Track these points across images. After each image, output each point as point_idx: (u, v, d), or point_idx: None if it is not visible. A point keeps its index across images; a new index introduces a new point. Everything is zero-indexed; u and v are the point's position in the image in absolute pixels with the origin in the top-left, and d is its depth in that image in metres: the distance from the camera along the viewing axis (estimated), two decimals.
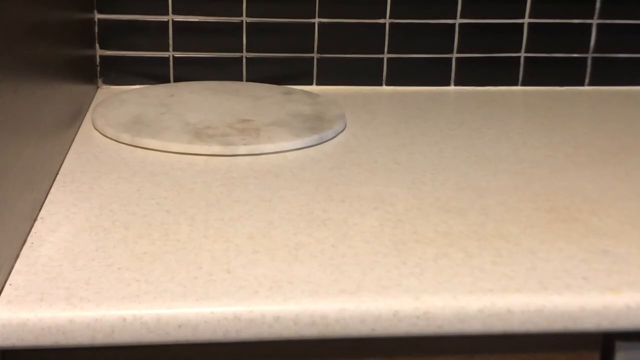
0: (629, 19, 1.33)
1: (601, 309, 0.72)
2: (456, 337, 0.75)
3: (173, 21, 1.27)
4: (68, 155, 1.01)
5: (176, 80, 1.29)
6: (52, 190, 0.91)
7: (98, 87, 1.28)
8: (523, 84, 1.35)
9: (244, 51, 1.29)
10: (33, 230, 0.81)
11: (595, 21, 1.32)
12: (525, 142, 1.10)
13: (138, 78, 1.29)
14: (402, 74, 1.32)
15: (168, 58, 1.28)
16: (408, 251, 0.79)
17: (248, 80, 1.30)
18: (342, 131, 1.13)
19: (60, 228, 0.82)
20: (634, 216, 0.88)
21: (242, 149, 1.02)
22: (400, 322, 0.70)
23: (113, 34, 1.26)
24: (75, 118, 1.08)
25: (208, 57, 1.29)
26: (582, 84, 1.36)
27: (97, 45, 1.27)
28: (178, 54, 1.28)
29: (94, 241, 0.79)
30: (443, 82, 1.34)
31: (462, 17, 1.30)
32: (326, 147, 1.06)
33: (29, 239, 0.79)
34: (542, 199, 0.92)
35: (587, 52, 1.34)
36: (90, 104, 1.21)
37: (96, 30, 1.26)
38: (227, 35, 1.28)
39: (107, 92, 1.26)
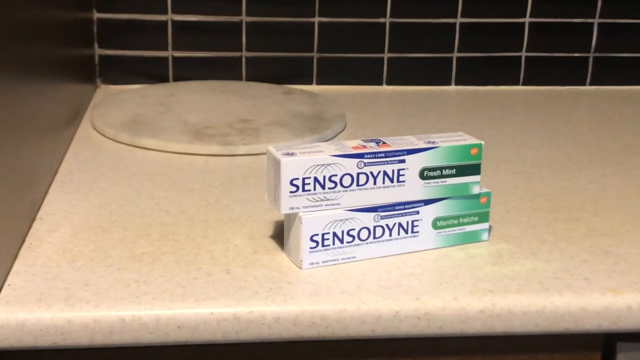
0: (631, 19, 1.33)
1: (602, 310, 0.72)
2: (457, 338, 0.75)
3: (172, 20, 1.26)
4: (67, 155, 1.00)
5: (175, 79, 1.29)
6: (50, 191, 0.90)
7: (97, 87, 1.28)
8: (524, 84, 1.35)
9: (244, 51, 1.29)
10: (32, 230, 0.81)
11: (596, 20, 1.32)
12: (526, 142, 1.10)
13: (137, 77, 1.28)
14: (403, 74, 1.32)
15: (167, 57, 1.28)
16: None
17: (248, 79, 1.30)
18: (342, 131, 1.12)
19: (59, 228, 0.82)
20: (635, 216, 0.88)
21: (242, 149, 1.02)
22: (401, 323, 0.70)
23: (112, 34, 1.26)
24: (73, 118, 1.08)
25: (207, 57, 1.28)
26: (583, 84, 1.36)
27: (96, 44, 1.26)
28: (177, 54, 1.28)
29: (93, 241, 0.79)
30: (444, 82, 1.33)
31: (462, 16, 1.30)
32: None
33: (28, 240, 0.79)
34: (543, 199, 0.92)
35: (588, 51, 1.34)
36: (89, 103, 1.21)
37: (95, 30, 1.26)
38: (227, 34, 1.28)
39: (105, 92, 1.26)
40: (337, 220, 0.75)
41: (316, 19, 1.28)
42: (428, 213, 0.78)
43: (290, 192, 0.73)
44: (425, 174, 0.77)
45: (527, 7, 1.31)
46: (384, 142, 0.77)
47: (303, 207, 0.74)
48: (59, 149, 0.98)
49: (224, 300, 0.69)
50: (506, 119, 1.19)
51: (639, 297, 0.72)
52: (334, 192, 0.74)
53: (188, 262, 0.76)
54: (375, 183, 0.75)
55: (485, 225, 0.81)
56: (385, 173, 0.75)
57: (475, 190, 0.79)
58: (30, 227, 0.82)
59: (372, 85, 1.32)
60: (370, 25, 1.29)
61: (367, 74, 1.31)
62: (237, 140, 1.04)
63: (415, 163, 0.76)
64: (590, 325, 0.72)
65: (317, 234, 0.74)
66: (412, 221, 0.78)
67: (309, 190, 0.74)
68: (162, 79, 1.29)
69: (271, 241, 0.80)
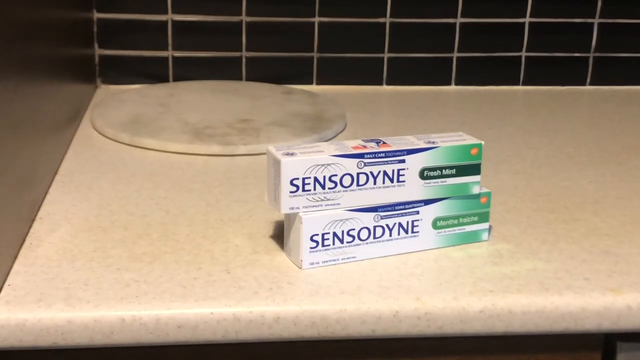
0: (631, 19, 1.33)
1: (602, 310, 0.72)
2: (457, 338, 0.75)
3: (172, 20, 1.26)
4: (67, 155, 1.00)
5: (175, 79, 1.29)
6: (50, 191, 0.90)
7: (97, 87, 1.28)
8: (524, 84, 1.35)
9: (244, 51, 1.29)
10: (32, 230, 0.81)
11: (596, 20, 1.32)
12: (526, 142, 1.10)
13: (137, 77, 1.28)
14: (403, 74, 1.32)
15: (167, 57, 1.28)
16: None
17: (248, 79, 1.30)
18: (342, 131, 1.12)
19: (59, 228, 0.82)
20: (635, 216, 0.88)
21: (242, 149, 1.02)
22: (401, 323, 0.70)
23: (112, 34, 1.26)
24: (74, 118, 1.08)
25: (207, 57, 1.28)
26: (583, 84, 1.36)
27: (96, 44, 1.26)
28: (177, 54, 1.28)
29: (93, 241, 0.79)
30: (444, 82, 1.33)
31: (462, 16, 1.30)
32: None
33: (28, 240, 0.79)
34: (543, 199, 0.92)
35: (588, 51, 1.34)
36: (89, 103, 1.21)
37: (95, 30, 1.26)
38: (227, 34, 1.27)
39: (106, 92, 1.26)
40: (337, 220, 0.75)
41: (316, 19, 1.28)
42: (428, 213, 0.78)
43: (290, 192, 0.73)
44: (425, 174, 0.77)
45: (527, 7, 1.31)
46: (384, 142, 0.77)
47: (303, 207, 0.74)
48: (59, 149, 0.98)
49: (224, 300, 0.69)
50: (506, 119, 1.19)
51: (639, 297, 0.72)
52: (334, 192, 0.74)
53: (188, 262, 0.76)
54: (375, 183, 0.75)
55: (485, 225, 0.81)
56: (385, 173, 0.75)
57: (475, 190, 0.79)
58: (30, 227, 0.82)
59: (372, 85, 1.32)
60: (370, 25, 1.29)
61: (367, 74, 1.31)
62: (237, 140, 1.04)
63: (415, 163, 0.76)
64: (590, 325, 0.72)
65: (317, 234, 0.74)
66: (412, 221, 0.78)
67: (309, 190, 0.74)
68: (162, 79, 1.29)
69: (271, 241, 0.80)
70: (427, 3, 1.28)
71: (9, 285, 0.71)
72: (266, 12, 1.27)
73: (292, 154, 0.73)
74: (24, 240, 0.79)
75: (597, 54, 1.34)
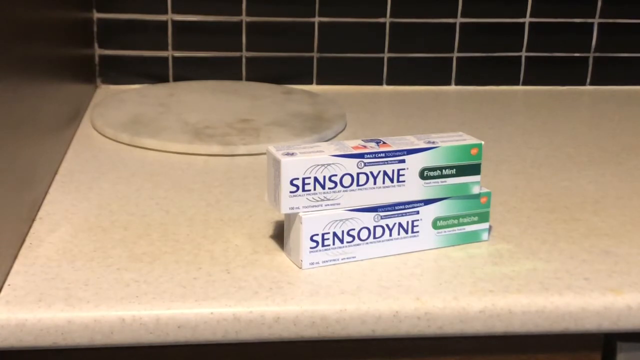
0: (631, 19, 1.33)
1: (602, 310, 0.72)
2: (457, 338, 0.75)
3: (172, 20, 1.26)
4: (67, 155, 1.00)
5: (175, 79, 1.29)
6: (50, 191, 0.90)
7: (97, 87, 1.28)
8: (524, 84, 1.35)
9: (244, 51, 1.29)
10: (32, 230, 0.81)
11: (596, 20, 1.32)
12: (526, 142, 1.10)
13: (137, 77, 1.28)
14: (403, 74, 1.32)
15: (167, 57, 1.28)
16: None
17: (248, 79, 1.30)
18: (342, 131, 1.12)
19: (59, 228, 0.82)
20: (635, 216, 0.88)
21: (242, 149, 1.02)
22: (401, 323, 0.70)
23: (112, 34, 1.26)
24: (74, 118, 1.08)
25: (207, 57, 1.28)
26: (583, 84, 1.36)
27: (96, 44, 1.26)
28: (177, 54, 1.28)
29: (93, 241, 0.79)
30: (444, 82, 1.33)
31: (463, 16, 1.30)
32: None
33: (28, 240, 0.79)
34: (543, 199, 0.92)
35: (588, 51, 1.34)
36: (89, 103, 1.21)
37: (95, 30, 1.26)
38: (227, 34, 1.27)
39: (106, 92, 1.26)
40: (337, 220, 0.75)
41: (316, 19, 1.28)
42: (428, 213, 0.78)
43: (291, 192, 0.73)
44: (425, 174, 0.77)
45: (527, 7, 1.31)
46: (384, 142, 0.77)
47: (303, 207, 0.74)
48: (59, 149, 0.98)
49: (224, 300, 0.69)
50: (506, 119, 1.19)
51: (639, 297, 0.72)
52: (334, 192, 0.74)
53: (188, 262, 0.76)
54: (375, 183, 0.75)
55: (485, 225, 0.81)
56: (385, 173, 0.75)
57: (475, 190, 0.79)
58: (30, 227, 0.82)
59: (372, 85, 1.32)
60: (370, 25, 1.29)
61: (367, 74, 1.31)
62: (237, 140, 1.04)
63: (415, 163, 0.76)
64: (590, 325, 0.72)
65: (317, 234, 0.74)
66: (412, 221, 0.78)
67: (309, 190, 0.74)
68: (162, 79, 1.29)
69: (271, 241, 0.80)
70: (427, 3, 1.29)
71: (9, 285, 0.71)
72: (266, 12, 1.27)
73: (292, 154, 0.73)
74: (24, 240, 0.79)
75: (597, 54, 1.34)
